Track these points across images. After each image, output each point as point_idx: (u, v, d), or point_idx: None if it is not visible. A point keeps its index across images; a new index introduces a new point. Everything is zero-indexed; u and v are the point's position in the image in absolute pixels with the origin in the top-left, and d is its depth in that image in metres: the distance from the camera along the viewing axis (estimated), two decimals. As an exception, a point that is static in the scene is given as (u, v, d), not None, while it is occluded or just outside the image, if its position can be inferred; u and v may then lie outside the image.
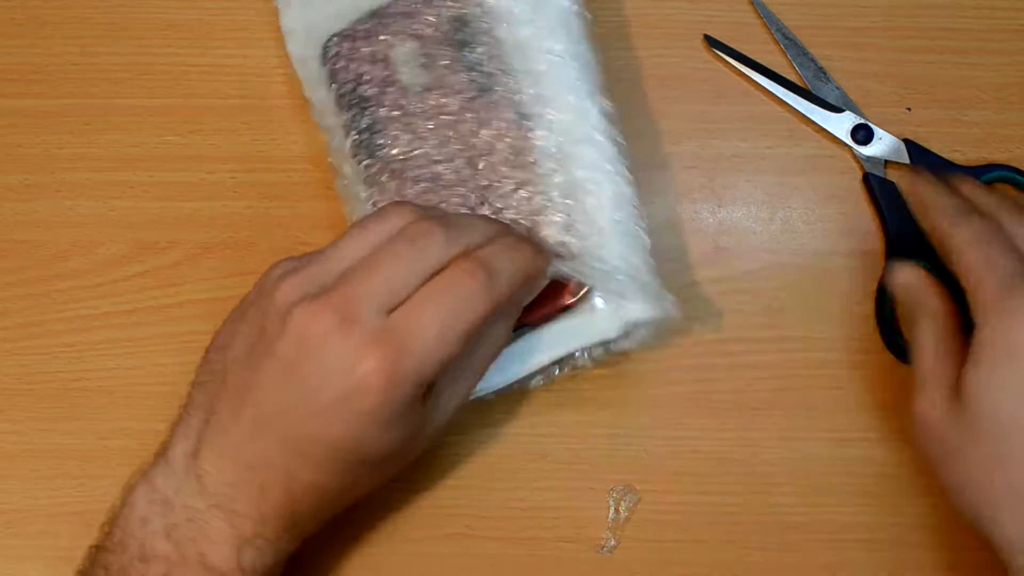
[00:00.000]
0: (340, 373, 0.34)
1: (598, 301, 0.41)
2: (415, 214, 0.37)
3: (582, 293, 0.41)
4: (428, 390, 0.36)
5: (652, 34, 0.49)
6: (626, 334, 0.42)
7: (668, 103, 0.48)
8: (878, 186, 0.46)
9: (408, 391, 0.35)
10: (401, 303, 0.35)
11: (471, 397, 0.41)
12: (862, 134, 0.46)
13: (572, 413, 0.46)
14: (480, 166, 0.43)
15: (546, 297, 0.41)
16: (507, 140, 0.42)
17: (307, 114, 0.48)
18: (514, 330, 0.41)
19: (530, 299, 0.40)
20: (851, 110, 0.47)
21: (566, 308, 0.41)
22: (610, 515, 0.45)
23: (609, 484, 0.45)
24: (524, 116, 0.42)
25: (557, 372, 0.43)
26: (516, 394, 0.45)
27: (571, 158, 0.42)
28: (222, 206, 0.48)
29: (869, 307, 0.46)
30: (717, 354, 0.46)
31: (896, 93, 0.48)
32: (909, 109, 0.48)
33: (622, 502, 0.45)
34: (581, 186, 0.42)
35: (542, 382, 0.43)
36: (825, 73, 0.47)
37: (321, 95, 0.45)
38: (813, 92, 0.47)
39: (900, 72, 0.48)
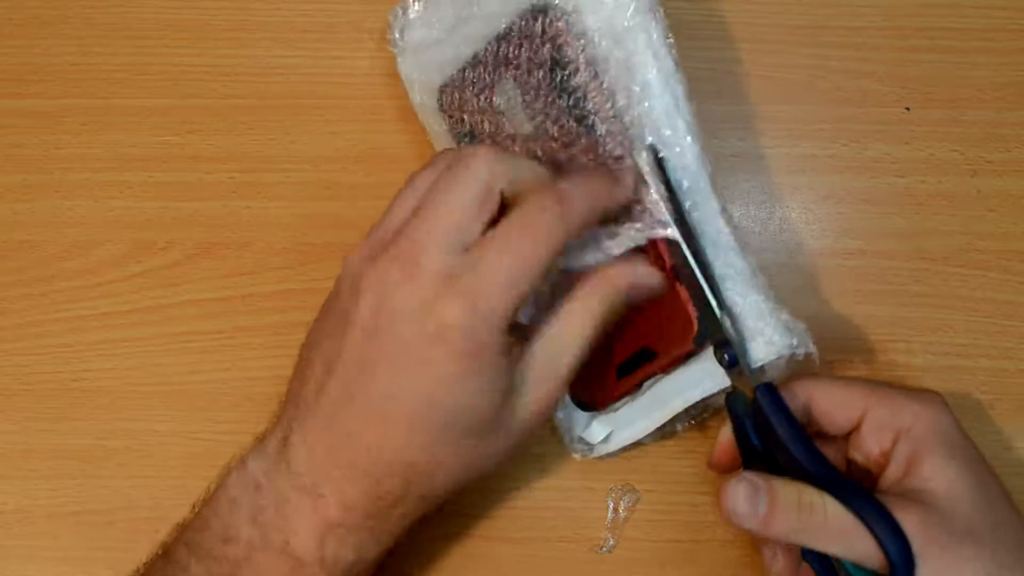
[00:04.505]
0: (416, 321, 0.33)
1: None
2: (457, 150, 0.37)
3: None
4: (511, 351, 0.35)
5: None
6: (760, 371, 0.39)
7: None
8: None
9: (487, 334, 0.34)
10: (471, 240, 0.34)
11: (616, 448, 0.42)
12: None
13: (571, 413, 0.46)
14: None
15: (673, 342, 0.40)
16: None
17: (305, 114, 0.49)
18: (645, 379, 0.41)
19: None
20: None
21: (691, 355, 0.40)
22: (609, 515, 0.45)
23: (608, 484, 0.45)
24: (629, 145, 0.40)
25: (696, 417, 0.43)
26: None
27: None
28: (220, 206, 0.48)
29: (869, 308, 0.46)
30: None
31: (895, 93, 0.48)
32: (908, 109, 0.48)
33: (621, 502, 0.45)
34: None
35: (680, 429, 0.43)
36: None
37: (445, 144, 0.45)
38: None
39: (899, 72, 0.48)
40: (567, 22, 0.40)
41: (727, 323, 0.38)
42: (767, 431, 0.37)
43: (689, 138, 0.39)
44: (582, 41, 0.40)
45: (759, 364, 0.38)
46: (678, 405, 0.41)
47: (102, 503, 0.46)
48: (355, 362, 0.35)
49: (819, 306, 0.46)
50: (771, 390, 0.37)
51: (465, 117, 0.44)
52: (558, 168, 0.40)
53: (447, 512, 0.45)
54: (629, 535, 0.45)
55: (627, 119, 0.39)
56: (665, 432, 0.43)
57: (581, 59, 0.40)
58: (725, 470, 0.41)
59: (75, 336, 0.47)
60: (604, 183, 0.37)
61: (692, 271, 0.38)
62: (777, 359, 0.38)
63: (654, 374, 0.41)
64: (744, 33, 0.49)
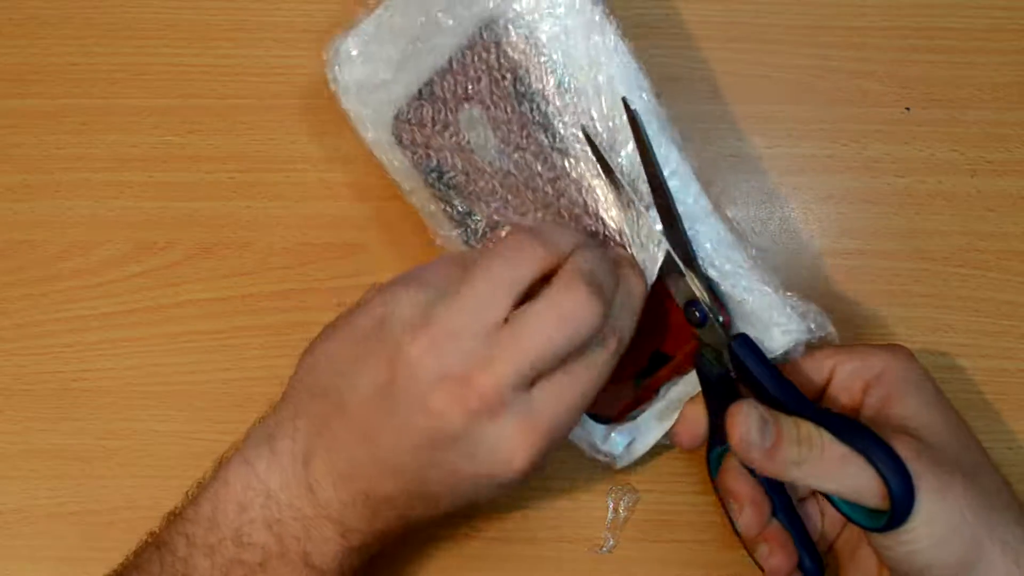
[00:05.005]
0: (486, 453, 0.35)
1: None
2: (545, 259, 0.36)
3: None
4: None
5: (650, 34, 0.49)
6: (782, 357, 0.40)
7: (667, 103, 0.48)
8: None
9: (543, 458, 0.36)
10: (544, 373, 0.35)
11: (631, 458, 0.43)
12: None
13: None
14: (584, 220, 0.41)
15: (684, 341, 0.40)
16: (602, 191, 0.41)
17: (306, 114, 0.49)
18: (663, 383, 0.41)
19: None
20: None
21: None
22: (609, 515, 0.45)
23: (608, 484, 0.45)
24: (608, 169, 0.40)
25: None
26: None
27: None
28: (221, 206, 0.48)
29: (869, 308, 0.46)
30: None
31: (895, 93, 0.48)
32: (908, 109, 0.48)
33: (621, 502, 0.45)
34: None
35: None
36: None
37: (410, 181, 0.44)
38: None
39: (899, 72, 0.48)
40: (526, 46, 0.40)
41: (695, 280, 0.38)
42: (747, 381, 0.37)
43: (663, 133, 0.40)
44: (544, 62, 0.40)
45: (779, 352, 0.39)
46: None
47: (102, 503, 0.46)
48: (407, 455, 0.35)
49: (819, 306, 0.46)
50: (747, 341, 0.37)
51: (431, 153, 0.43)
52: (548, 206, 0.41)
53: (448, 512, 0.45)
54: (629, 535, 0.45)
55: (606, 135, 0.40)
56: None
57: (549, 87, 0.40)
58: (689, 446, 0.41)
59: (75, 336, 0.47)
60: (641, 287, 0.39)
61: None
62: (795, 345, 0.39)
63: (671, 378, 0.41)
64: (744, 33, 0.49)
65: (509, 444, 0.34)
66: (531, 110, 0.41)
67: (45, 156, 0.49)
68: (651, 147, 0.39)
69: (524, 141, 0.41)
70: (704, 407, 0.40)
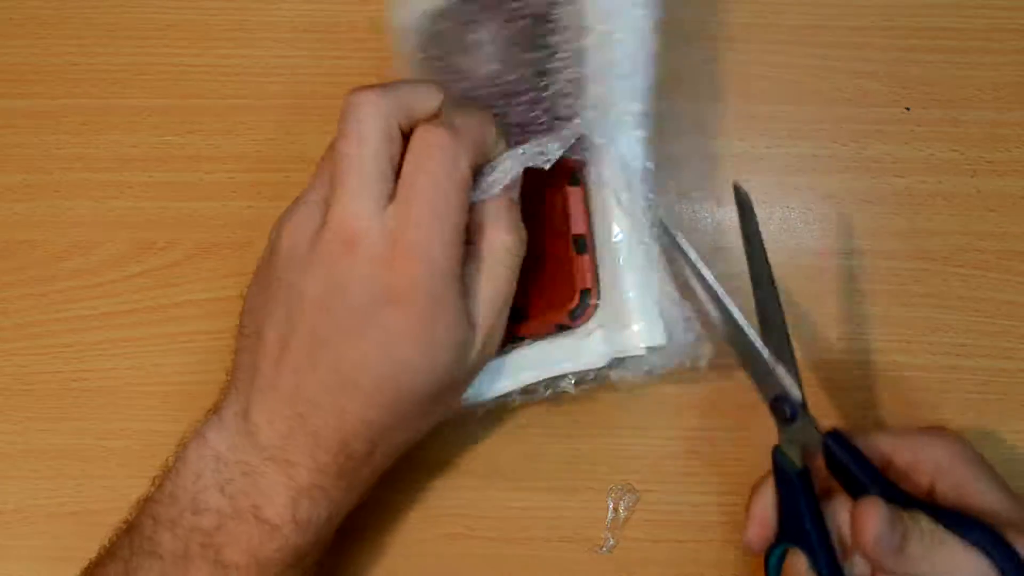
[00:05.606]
0: (365, 290, 0.34)
1: (592, 325, 0.39)
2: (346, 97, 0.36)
3: (584, 316, 0.39)
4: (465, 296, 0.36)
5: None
6: (621, 363, 0.39)
7: (667, 103, 0.48)
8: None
9: (431, 284, 0.34)
10: (390, 186, 0.35)
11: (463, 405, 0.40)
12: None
13: (571, 413, 0.46)
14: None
15: (546, 310, 0.40)
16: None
17: (306, 114, 0.49)
18: (507, 343, 0.40)
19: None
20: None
21: (563, 327, 0.40)
22: (609, 515, 0.45)
23: (608, 484, 0.45)
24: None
25: (543, 392, 0.41)
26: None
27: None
28: (221, 206, 0.48)
29: (869, 308, 0.46)
30: (716, 354, 0.46)
31: (895, 93, 0.48)
32: (908, 109, 0.48)
33: (621, 502, 0.45)
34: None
35: (518, 400, 0.42)
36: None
37: (402, 69, 0.44)
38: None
39: (899, 72, 0.48)
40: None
41: (787, 376, 0.37)
42: (843, 478, 0.36)
43: (640, 131, 0.39)
44: (577, 6, 0.39)
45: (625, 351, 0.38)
46: (532, 377, 0.40)
47: (102, 503, 0.46)
48: (312, 335, 0.35)
49: (819, 306, 0.46)
50: (841, 436, 0.37)
51: (439, 49, 0.43)
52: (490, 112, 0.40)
53: (447, 512, 0.45)
54: (629, 535, 0.45)
55: (590, 88, 0.39)
56: (505, 399, 0.41)
57: (569, 23, 0.39)
58: (759, 548, 0.39)
59: (75, 336, 0.47)
60: (486, 116, 0.37)
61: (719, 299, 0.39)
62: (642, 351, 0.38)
63: (518, 338, 0.40)
64: (744, 33, 0.49)
65: (377, 273, 0.34)
66: (541, 33, 0.40)
67: (45, 156, 0.49)
68: (759, 240, 0.38)
69: (514, 56, 0.40)
70: (775, 505, 0.38)
